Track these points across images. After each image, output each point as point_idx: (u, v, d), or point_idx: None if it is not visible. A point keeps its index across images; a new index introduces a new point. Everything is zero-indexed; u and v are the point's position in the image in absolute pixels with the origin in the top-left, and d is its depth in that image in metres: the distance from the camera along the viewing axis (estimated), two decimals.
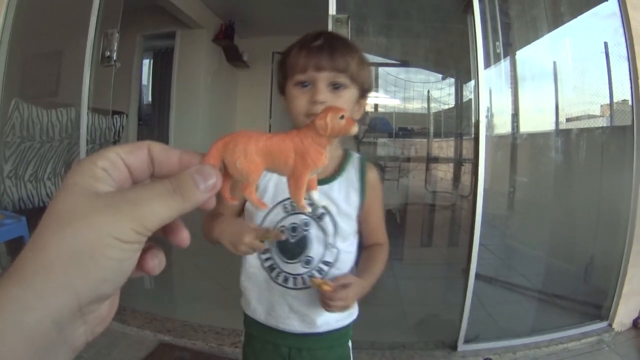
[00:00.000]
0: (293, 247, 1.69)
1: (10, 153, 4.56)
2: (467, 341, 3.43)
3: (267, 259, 1.73)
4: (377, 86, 6.58)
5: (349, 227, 1.72)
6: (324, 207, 1.65)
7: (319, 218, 1.68)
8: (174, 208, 0.57)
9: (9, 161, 4.56)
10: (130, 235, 0.52)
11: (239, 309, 1.90)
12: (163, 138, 9.59)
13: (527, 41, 4.66)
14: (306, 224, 1.68)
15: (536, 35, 4.61)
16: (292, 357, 1.78)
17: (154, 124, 10.67)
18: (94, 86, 4.00)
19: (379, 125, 6.67)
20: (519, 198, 4.72)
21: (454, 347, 3.43)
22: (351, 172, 1.73)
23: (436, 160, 6.94)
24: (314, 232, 1.68)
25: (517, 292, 4.26)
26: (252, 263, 1.76)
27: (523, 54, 4.58)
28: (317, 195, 0.77)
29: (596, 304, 3.98)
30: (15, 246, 3.86)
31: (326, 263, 1.69)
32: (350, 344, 1.90)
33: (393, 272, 5.22)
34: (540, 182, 4.76)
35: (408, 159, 6.82)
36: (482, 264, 3.41)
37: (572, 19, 4.49)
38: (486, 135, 3.40)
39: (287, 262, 1.69)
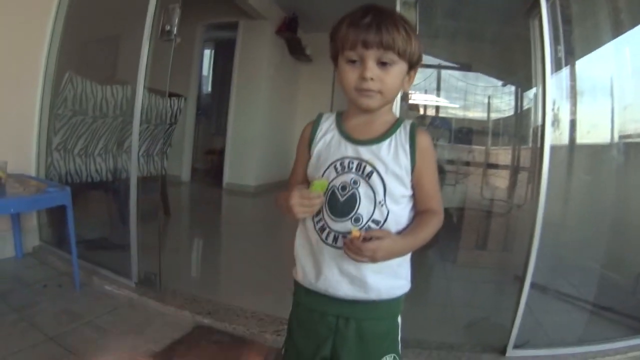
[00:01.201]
0: (342, 205, 1.64)
1: (61, 126, 4.49)
2: (516, 346, 3.28)
3: (318, 221, 1.69)
4: (438, 89, 6.53)
5: (399, 189, 1.65)
6: (372, 165, 1.62)
7: (367, 176, 1.63)
8: None
9: (59, 134, 4.50)
10: None
11: (286, 297, 1.90)
12: (221, 129, 9.69)
13: (588, 49, 4.48)
14: (355, 182, 1.63)
15: (597, 44, 4.42)
16: (338, 327, 1.73)
17: (212, 114, 10.71)
18: (152, 65, 3.89)
19: (438, 125, 6.63)
20: (573, 208, 4.60)
21: (502, 351, 3.28)
22: (401, 135, 1.67)
23: (493, 167, 6.91)
24: (362, 190, 1.62)
25: (567, 301, 4.12)
26: (307, 225, 1.74)
27: (583, 63, 4.40)
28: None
29: None
30: (60, 218, 3.80)
31: (375, 222, 1.62)
32: (399, 320, 1.82)
33: (445, 273, 5.16)
34: (596, 193, 4.60)
35: (467, 163, 6.77)
36: (535, 271, 3.26)
37: (634, 27, 4.29)
38: (551, 141, 3.22)
39: (336, 221, 1.64)
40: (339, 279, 1.66)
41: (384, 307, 1.73)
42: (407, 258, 1.76)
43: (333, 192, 1.64)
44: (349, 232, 1.57)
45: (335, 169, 1.66)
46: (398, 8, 3.23)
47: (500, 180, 6.85)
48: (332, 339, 1.74)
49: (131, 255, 3.85)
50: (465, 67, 6.90)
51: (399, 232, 1.65)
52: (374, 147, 1.65)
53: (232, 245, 5.92)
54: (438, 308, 4.16)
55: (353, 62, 1.60)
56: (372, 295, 1.67)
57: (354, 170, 1.62)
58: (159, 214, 5.45)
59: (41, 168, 4.49)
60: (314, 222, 1.71)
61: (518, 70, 5.81)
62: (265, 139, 9.52)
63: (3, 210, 3.57)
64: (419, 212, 1.72)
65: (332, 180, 1.66)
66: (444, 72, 6.66)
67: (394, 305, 1.76)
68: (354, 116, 1.71)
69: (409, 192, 1.68)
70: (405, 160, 1.64)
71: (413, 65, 1.68)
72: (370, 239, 1.50)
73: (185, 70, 9.17)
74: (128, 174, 3.92)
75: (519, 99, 6.51)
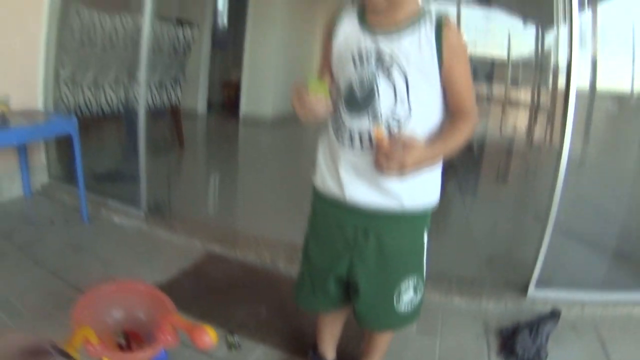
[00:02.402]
0: (360, 101, 1.56)
1: (68, 58, 4.39)
2: (538, 286, 3.20)
3: (335, 120, 1.64)
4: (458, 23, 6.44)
5: (423, 86, 1.53)
6: (392, 57, 1.50)
7: (387, 69, 1.52)
8: None
9: (66, 67, 4.39)
10: None
11: (300, 222, 1.85)
12: (237, 61, 9.64)
13: None
14: (374, 75, 1.53)
15: None
16: (357, 241, 1.67)
17: (228, 45, 10.61)
18: None
19: None
20: (595, 155, 4.47)
21: (524, 289, 3.20)
22: (426, 26, 1.51)
23: (513, 105, 6.91)
24: (382, 83, 1.53)
25: (588, 245, 4.04)
26: (329, 128, 1.71)
27: (607, 5, 4.23)
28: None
29: None
30: (69, 153, 3.71)
31: (397, 120, 1.53)
32: (425, 238, 1.74)
33: (465, 206, 5.10)
34: (619, 139, 4.53)
35: (487, 99, 6.70)
36: (557, 213, 3.17)
37: None
38: (577, 78, 3.08)
39: (352, 117, 1.57)
40: (357, 183, 1.59)
41: (407, 220, 1.65)
42: (437, 165, 1.64)
43: (351, 87, 1.56)
44: (368, 132, 1.52)
45: (354, 61, 1.57)
46: None
47: (520, 120, 6.83)
48: (349, 256, 1.68)
49: (140, 185, 3.81)
50: (484, 1, 6.75)
51: (427, 138, 1.55)
52: (394, 37, 1.52)
53: (247, 176, 5.89)
54: (458, 240, 4.11)
55: None
56: (394, 203, 1.59)
57: (373, 62, 1.51)
58: (171, 145, 5.39)
59: (49, 102, 4.36)
60: (332, 123, 1.65)
61: (540, 8, 5.64)
62: (282, 68, 9.37)
63: (5, 141, 3.46)
64: (450, 113, 1.61)
65: (350, 75, 1.57)
66: (463, 8, 6.51)
67: (419, 218, 1.68)
68: (375, 6, 1.53)
69: (436, 91, 1.56)
70: (431, 54, 1.50)
71: None
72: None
73: (200, 1, 8.98)
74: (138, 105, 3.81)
75: (540, 38, 6.37)
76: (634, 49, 4.02)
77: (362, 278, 1.69)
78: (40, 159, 4.38)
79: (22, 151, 4.06)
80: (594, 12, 3.96)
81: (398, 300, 1.73)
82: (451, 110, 1.59)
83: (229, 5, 11.06)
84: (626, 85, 4.32)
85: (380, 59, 1.50)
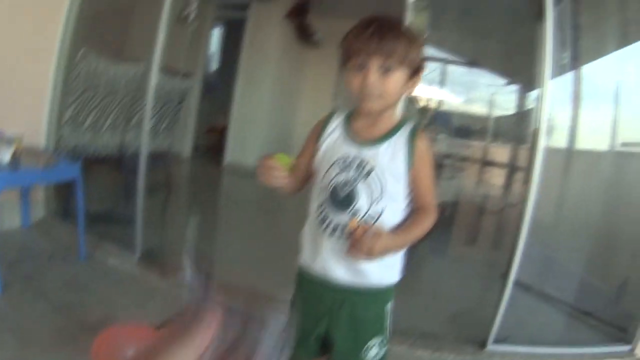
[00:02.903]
0: (343, 199, 1.81)
1: (72, 100, 4.61)
2: (496, 341, 3.43)
3: (320, 212, 1.86)
4: (442, 83, 6.60)
5: (395, 188, 1.81)
6: (371, 165, 1.78)
7: (366, 175, 1.79)
8: None
9: (70, 108, 4.62)
10: None
11: (285, 277, 2.08)
12: (224, 107, 9.78)
13: (594, 56, 4.58)
14: (355, 180, 1.80)
15: (603, 52, 4.53)
16: (333, 309, 1.90)
17: (217, 92, 10.74)
18: (166, 45, 4.01)
19: (440, 119, 6.70)
20: (565, 212, 4.71)
21: (482, 345, 3.44)
22: (401, 137, 1.82)
23: (491, 164, 6.96)
24: (362, 187, 1.79)
25: (550, 303, 4.26)
26: (313, 215, 1.92)
27: (588, 69, 4.51)
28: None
29: (622, 327, 3.90)
30: (67, 191, 3.95)
31: (372, 216, 1.78)
32: (389, 306, 1.99)
33: (434, 266, 5.30)
34: (588, 199, 4.72)
35: (463, 159, 6.87)
36: (521, 270, 3.40)
37: None
38: (545, 143, 3.35)
39: (336, 213, 1.81)
40: (336, 265, 1.82)
41: (376, 294, 1.91)
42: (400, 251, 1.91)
43: (335, 188, 1.81)
44: (347, 225, 1.73)
45: (339, 165, 1.82)
46: (408, 12, 3.35)
47: (495, 178, 6.95)
48: (327, 319, 1.91)
49: (136, 229, 3.98)
50: (471, 63, 6.96)
51: (395, 227, 1.81)
52: (374, 147, 1.80)
53: (233, 224, 6.06)
54: (425, 299, 4.28)
55: (358, 68, 1.74)
56: (365, 282, 1.84)
57: (354, 168, 1.78)
58: (165, 190, 5.57)
59: (51, 141, 4.57)
60: (317, 213, 1.87)
61: (523, 71, 5.86)
62: (269, 121, 9.60)
63: (18, 183, 3.70)
64: (414, 208, 1.89)
65: (335, 176, 1.82)
66: (449, 66, 6.72)
67: (384, 293, 1.94)
68: (360, 117, 1.85)
69: (405, 190, 1.84)
70: (403, 162, 1.80)
71: (414, 71, 1.82)
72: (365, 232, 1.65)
73: (194, 46, 9.08)
74: (135, 150, 4.06)
75: (521, 99, 6.58)
76: (616, 108, 4.35)
77: (338, 338, 1.93)
78: (39, 193, 4.56)
79: (24, 187, 4.24)
80: (577, 73, 4.23)
81: (366, 355, 1.96)
82: (415, 206, 1.88)
83: (222, 52, 11.27)
84: (601, 145, 4.62)
85: (361, 165, 1.78)
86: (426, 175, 1.86)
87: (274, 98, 9.56)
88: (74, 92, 4.60)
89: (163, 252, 4.06)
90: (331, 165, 1.85)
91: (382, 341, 2.00)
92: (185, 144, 9.41)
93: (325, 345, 2.04)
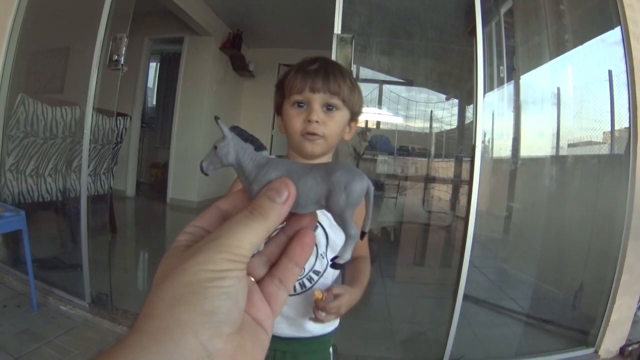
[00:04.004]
0: None
1: (13, 147, 4.60)
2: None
3: None
4: (380, 103, 6.63)
5: (338, 239, 1.78)
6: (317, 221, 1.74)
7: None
8: (258, 229, 0.62)
9: (12, 155, 4.60)
10: (222, 263, 0.57)
11: None
12: (165, 142, 9.85)
13: (532, 66, 4.69)
14: None
15: (540, 61, 4.63)
16: (277, 359, 1.86)
17: (157, 127, 10.73)
18: (100, 87, 4.03)
19: (379, 143, 6.71)
20: (513, 222, 4.74)
21: None
22: None
23: (435, 180, 6.95)
24: None
25: (506, 314, 4.27)
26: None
27: (527, 79, 4.61)
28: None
29: (583, 330, 3.99)
30: (14, 238, 3.96)
31: (316, 272, 1.77)
32: (331, 350, 1.99)
33: (384, 289, 5.27)
34: (535, 207, 4.75)
35: (406, 178, 6.87)
36: (472, 285, 3.44)
37: (577, 46, 4.52)
38: (482, 158, 3.43)
39: None
40: (279, 320, 1.79)
41: (318, 342, 1.90)
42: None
43: None
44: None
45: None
46: (334, 44, 3.41)
47: (442, 194, 6.97)
48: None
49: (83, 276, 3.97)
50: (407, 82, 7.01)
51: (335, 281, 1.82)
52: None
53: None
54: (377, 324, 4.25)
55: (300, 106, 1.72)
56: (307, 335, 1.83)
57: None
58: (108, 234, 5.54)
59: None
60: None
61: (461, 86, 5.95)
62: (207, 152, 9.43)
63: None
64: (353, 258, 1.83)
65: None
66: (386, 87, 6.75)
67: (326, 340, 1.93)
68: (312, 154, 1.75)
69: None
70: None
71: (354, 115, 1.81)
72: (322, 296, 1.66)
73: (130, 83, 9.20)
74: (77, 193, 4.07)
75: (460, 113, 6.64)
76: (558, 113, 4.42)
77: None
78: None
79: None
80: (516, 82, 4.33)
81: None
82: (353, 257, 1.89)
83: (159, 86, 11.26)
84: (542, 152, 4.68)
85: None
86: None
87: (212, 130, 9.49)
88: (14, 139, 4.59)
89: (112, 295, 4.00)
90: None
91: None
92: (128, 182, 9.44)
93: None
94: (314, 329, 1.82)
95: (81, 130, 4.05)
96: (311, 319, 1.70)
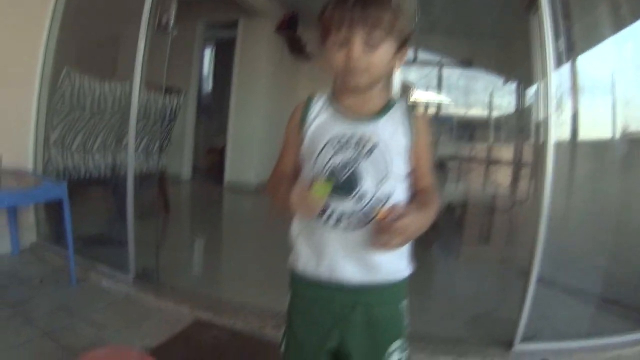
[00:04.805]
0: (344, 184, 1.56)
1: (59, 121, 4.47)
2: (523, 340, 3.21)
3: None
4: (439, 87, 6.55)
5: (400, 166, 1.60)
6: (372, 141, 1.55)
7: (368, 153, 1.56)
8: None
9: (57, 129, 4.47)
10: None
11: (285, 289, 1.79)
12: (222, 127, 9.78)
13: (589, 45, 4.43)
14: (355, 160, 1.56)
15: (598, 39, 4.39)
16: (344, 315, 1.65)
17: (213, 113, 10.69)
18: (150, 60, 3.85)
19: (442, 119, 6.66)
20: (578, 203, 4.53)
21: (509, 345, 3.21)
22: (398, 112, 1.64)
23: (495, 163, 6.94)
24: (364, 167, 1.55)
25: (573, 295, 4.11)
26: None
27: (584, 58, 4.35)
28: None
29: None
30: (58, 216, 3.76)
31: (379, 200, 1.56)
32: (405, 304, 1.76)
33: (448, 268, 5.16)
34: (600, 189, 4.57)
35: (469, 159, 6.85)
36: (541, 265, 3.21)
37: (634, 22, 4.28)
38: (554, 135, 3.17)
39: (338, 201, 1.56)
40: (344, 262, 1.59)
41: (391, 290, 1.68)
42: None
43: (332, 172, 1.56)
44: (355, 213, 1.53)
45: (333, 146, 1.59)
46: None
47: (502, 177, 6.90)
48: (339, 329, 1.67)
49: (129, 250, 3.81)
50: (465, 63, 6.90)
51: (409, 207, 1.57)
52: (372, 123, 1.59)
53: (233, 242, 5.91)
54: (442, 302, 4.11)
55: (340, 44, 1.54)
56: (379, 277, 1.61)
57: (352, 146, 1.55)
58: (158, 210, 5.47)
59: (38, 164, 4.45)
60: None
61: (519, 66, 5.78)
62: (266, 137, 9.44)
63: None
64: (417, 190, 1.68)
65: (329, 159, 1.58)
66: (445, 70, 6.66)
67: (400, 287, 1.71)
68: (346, 95, 1.64)
69: (408, 169, 1.63)
70: (404, 138, 1.60)
71: (402, 42, 1.62)
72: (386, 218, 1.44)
73: (185, 69, 9.18)
74: (126, 170, 3.86)
75: (520, 95, 6.50)
76: (613, 96, 4.21)
77: (353, 348, 1.69)
78: (29, 218, 4.42)
79: (12, 211, 4.10)
80: (573, 64, 4.08)
81: None
82: (417, 188, 1.68)
83: (214, 72, 11.19)
84: (607, 134, 4.46)
85: (360, 143, 1.55)
86: (428, 152, 1.68)
87: (269, 113, 9.44)
88: (59, 113, 4.45)
89: (158, 273, 3.85)
90: (322, 148, 1.61)
91: (402, 345, 1.76)
92: (184, 165, 9.45)
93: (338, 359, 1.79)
94: (385, 267, 1.61)
95: (129, 105, 3.87)
96: (375, 245, 1.48)
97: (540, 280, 3.14)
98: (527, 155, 6.19)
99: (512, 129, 6.82)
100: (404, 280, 1.71)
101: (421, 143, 1.63)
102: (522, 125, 6.50)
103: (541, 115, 3.26)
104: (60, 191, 3.61)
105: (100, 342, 2.77)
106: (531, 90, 5.96)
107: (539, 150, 4.06)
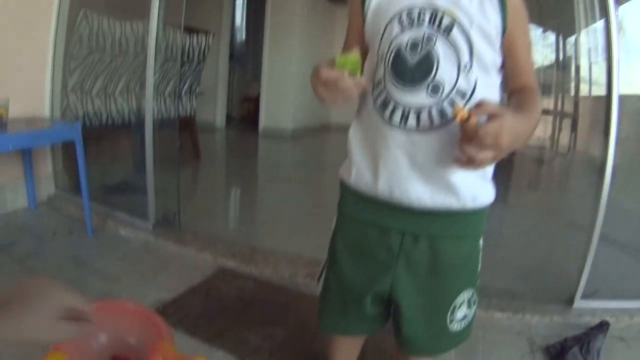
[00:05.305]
0: (414, 69, 1.20)
1: (77, 65, 4.23)
2: (584, 297, 2.97)
3: (379, 94, 1.27)
4: None
5: (488, 51, 1.22)
6: (451, 16, 1.18)
7: (446, 31, 1.20)
8: None
9: (74, 74, 4.24)
10: None
11: (322, 235, 1.52)
12: (256, 76, 9.77)
13: None
14: (429, 39, 1.20)
15: None
16: (404, 247, 1.31)
17: (247, 62, 10.62)
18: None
19: None
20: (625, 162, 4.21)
21: (569, 302, 2.97)
22: None
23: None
24: (441, 48, 1.19)
25: (634, 256, 3.80)
26: (367, 104, 1.32)
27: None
28: None
29: None
30: (75, 162, 3.49)
31: (461, 93, 1.18)
32: (481, 242, 1.42)
33: (495, 214, 4.73)
34: None
35: None
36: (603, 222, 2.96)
37: None
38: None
39: (405, 90, 1.20)
40: (410, 174, 1.23)
41: (468, 221, 1.32)
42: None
43: (399, 55, 1.21)
44: (427, 109, 1.17)
45: (400, 22, 1.24)
46: None
47: (540, 128, 6.66)
48: (394, 268, 1.33)
49: (148, 195, 3.61)
50: None
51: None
52: None
53: (265, 188, 5.68)
54: (492, 251, 3.73)
55: None
56: (454, 201, 1.24)
57: (426, 23, 1.19)
58: (185, 156, 5.42)
59: (56, 110, 4.22)
60: (372, 98, 1.29)
61: (558, 16, 5.50)
62: (302, 82, 9.08)
63: (1, 146, 3.22)
64: (514, 90, 1.29)
65: (395, 37, 1.24)
66: None
67: (479, 218, 1.35)
68: None
69: (499, 58, 1.25)
70: (495, 16, 1.21)
71: None
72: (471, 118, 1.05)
73: (216, 13, 9.01)
74: (155, 114, 3.67)
75: (560, 46, 6.23)
76: None
77: (410, 294, 1.36)
78: (46, 169, 4.21)
79: (27, 160, 3.88)
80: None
81: (452, 319, 1.40)
82: (513, 87, 1.29)
83: (247, 19, 11.01)
84: None
85: (436, 18, 1.19)
86: (525, 42, 1.29)
87: (304, 59, 9.19)
88: (77, 57, 4.21)
89: (180, 219, 3.65)
90: (387, 24, 1.26)
91: (472, 297, 1.42)
92: (217, 113, 9.35)
93: (388, 308, 1.48)
94: (463, 190, 1.23)
95: (157, 46, 3.60)
96: (456, 159, 1.09)
97: (601, 237, 2.89)
98: (568, 106, 5.99)
99: (552, 80, 6.56)
100: (485, 209, 1.34)
101: (515, 29, 1.24)
102: (563, 76, 6.23)
103: (583, 66, 3.00)
104: (73, 131, 3.38)
105: (108, 297, 2.54)
106: (571, 41, 5.72)
107: (580, 102, 4.14)
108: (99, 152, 3.90)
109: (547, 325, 2.73)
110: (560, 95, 6.21)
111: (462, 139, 1.05)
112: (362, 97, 1.32)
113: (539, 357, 2.40)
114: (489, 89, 1.22)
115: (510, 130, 1.02)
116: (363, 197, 1.32)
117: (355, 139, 1.35)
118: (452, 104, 1.14)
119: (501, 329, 2.66)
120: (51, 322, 0.95)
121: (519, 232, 4.41)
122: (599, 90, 3.83)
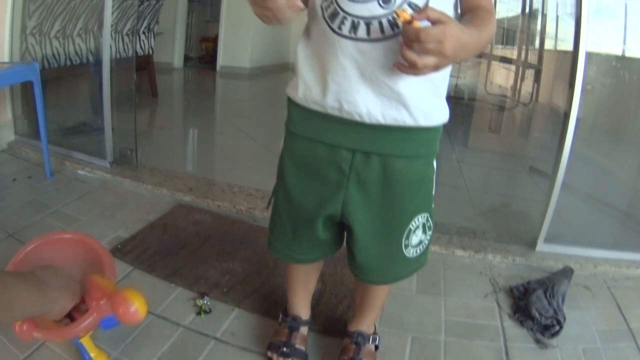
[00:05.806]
0: None
1: (35, 7, 4.16)
2: (547, 240, 2.99)
3: (328, 5, 1.20)
4: None
5: None
6: None
7: None
8: None
9: (34, 16, 4.17)
10: None
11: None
12: (215, 15, 9.87)
13: None
14: None
15: None
16: (355, 166, 1.28)
17: (206, 1, 10.60)
18: None
19: None
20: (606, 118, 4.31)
21: (532, 245, 2.99)
22: None
23: (505, 60, 6.95)
24: None
25: (598, 205, 3.81)
26: (316, 16, 1.24)
27: None
28: None
29: None
30: (33, 103, 3.45)
31: (414, 5, 1.12)
32: (435, 163, 1.39)
33: (455, 156, 4.87)
34: (623, 103, 4.22)
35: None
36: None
37: None
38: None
39: (358, 2, 1.13)
40: (359, 87, 1.18)
41: (421, 139, 1.28)
42: (448, 73, 1.28)
43: None
44: (377, 20, 1.12)
45: None
46: None
47: (504, 77, 7.05)
48: (344, 189, 1.30)
49: (105, 134, 3.60)
50: None
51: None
52: None
53: (223, 125, 5.72)
54: (452, 190, 3.84)
55: None
56: (406, 117, 1.20)
57: None
58: (142, 94, 5.68)
59: (15, 55, 4.16)
60: (322, 9, 1.22)
61: None
62: (261, 23, 9.06)
63: None
64: (468, 9, 1.22)
65: None
66: None
67: (433, 137, 1.31)
68: None
69: None
70: None
71: None
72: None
73: None
74: (112, 54, 3.66)
75: None
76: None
77: (363, 217, 1.33)
78: (6, 116, 4.15)
79: None
80: None
81: (407, 244, 1.38)
82: (467, 6, 1.23)
83: None
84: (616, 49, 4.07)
85: None
86: None
87: None
88: None
89: (137, 152, 3.67)
90: None
91: (427, 222, 1.39)
92: (175, 54, 9.28)
93: (341, 234, 1.46)
94: (415, 104, 1.19)
95: None
96: (397, 64, 1.04)
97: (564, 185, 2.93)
98: (531, 57, 6.17)
99: (516, 31, 6.78)
100: (439, 128, 1.31)
101: None
102: (528, 28, 6.43)
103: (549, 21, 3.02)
104: (32, 72, 3.30)
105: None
106: None
107: (543, 55, 4.21)
108: (57, 95, 3.89)
109: (509, 266, 2.76)
110: (524, 47, 6.37)
111: (404, 43, 1.00)
112: (311, 14, 1.27)
113: (502, 298, 2.42)
114: (443, 4, 1.16)
115: (454, 37, 0.98)
116: (311, 113, 1.28)
117: (303, 52, 1.29)
118: (396, 8, 1.07)
119: (463, 268, 2.69)
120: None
121: (480, 173, 4.46)
122: (566, 46, 3.83)
